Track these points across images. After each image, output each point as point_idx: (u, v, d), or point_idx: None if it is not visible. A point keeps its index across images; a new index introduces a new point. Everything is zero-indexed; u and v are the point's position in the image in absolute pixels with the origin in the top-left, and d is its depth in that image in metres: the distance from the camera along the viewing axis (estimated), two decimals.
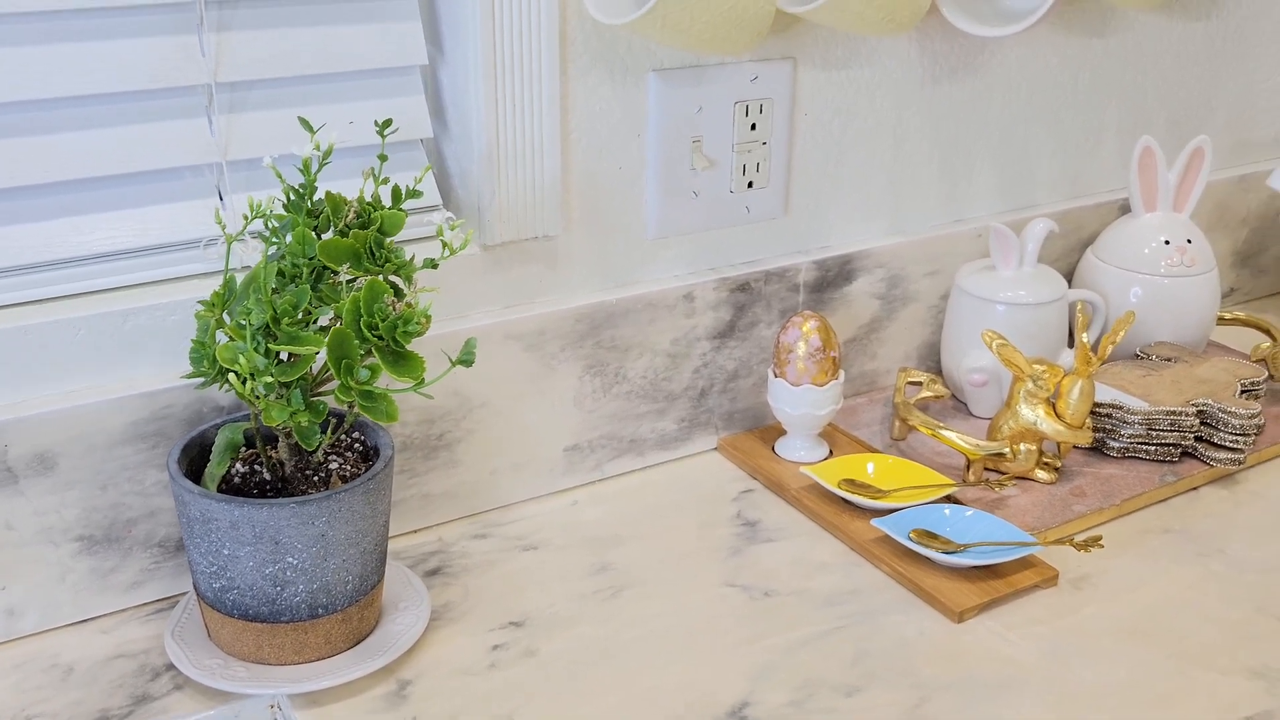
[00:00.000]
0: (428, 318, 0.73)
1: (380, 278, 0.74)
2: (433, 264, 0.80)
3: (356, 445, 0.85)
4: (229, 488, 0.81)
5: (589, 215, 1.00)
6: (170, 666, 0.83)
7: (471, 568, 0.95)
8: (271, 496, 0.80)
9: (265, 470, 0.81)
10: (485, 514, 1.01)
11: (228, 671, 0.80)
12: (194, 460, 0.82)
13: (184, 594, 0.89)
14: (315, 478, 0.81)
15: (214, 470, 0.80)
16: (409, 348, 0.74)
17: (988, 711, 0.81)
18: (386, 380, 0.74)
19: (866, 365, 1.17)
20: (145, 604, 0.89)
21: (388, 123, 0.82)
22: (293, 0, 0.87)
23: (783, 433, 1.09)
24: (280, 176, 0.80)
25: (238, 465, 0.82)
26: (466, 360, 0.74)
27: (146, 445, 0.85)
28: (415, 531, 0.98)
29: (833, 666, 0.84)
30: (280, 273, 0.77)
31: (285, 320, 0.72)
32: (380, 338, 0.73)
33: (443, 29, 0.93)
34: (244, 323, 0.72)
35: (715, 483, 1.07)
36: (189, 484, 0.77)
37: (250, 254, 0.86)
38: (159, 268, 0.87)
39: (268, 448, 0.82)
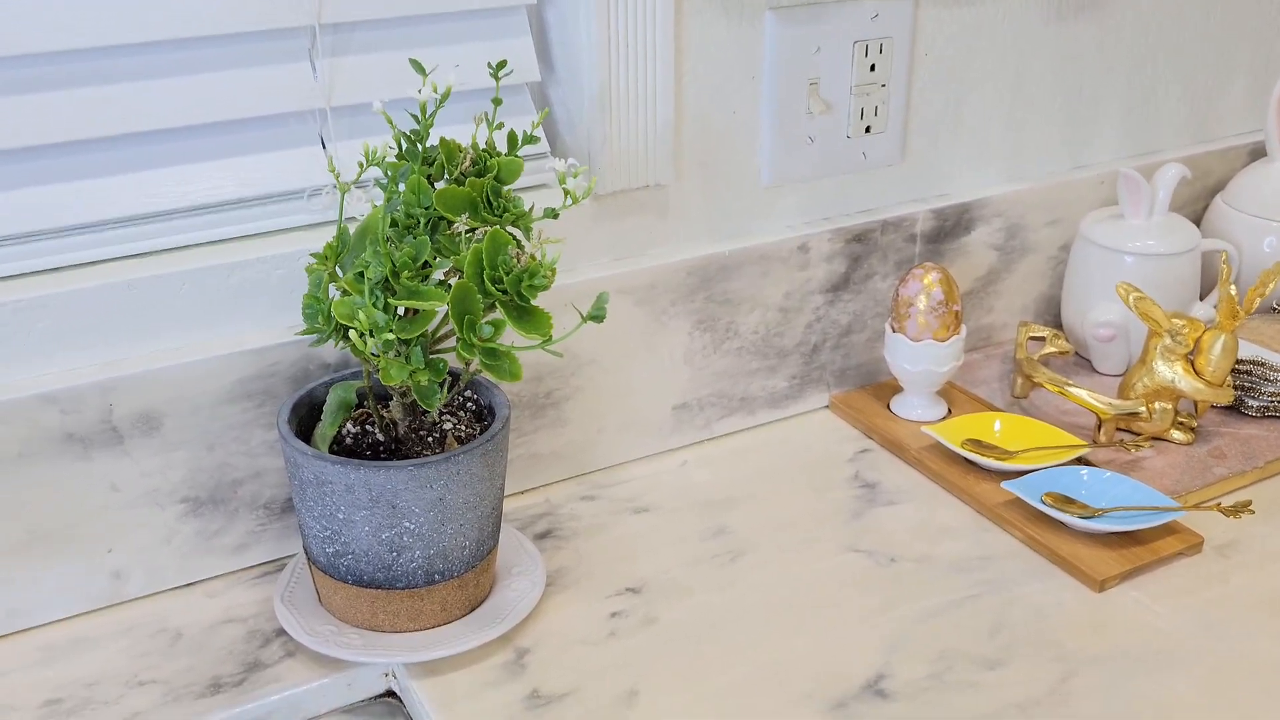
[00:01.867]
0: (553, 270, 0.69)
1: (501, 228, 0.70)
2: (553, 214, 0.75)
3: (469, 404, 0.82)
4: (341, 449, 0.78)
5: (701, 163, 0.95)
6: (280, 632, 0.80)
7: (582, 531, 0.91)
8: (385, 457, 0.77)
9: (378, 430, 0.78)
10: (592, 474, 0.97)
11: (341, 639, 0.77)
12: (303, 420, 0.79)
13: (292, 556, 0.86)
14: (430, 438, 0.78)
15: (326, 431, 0.77)
16: (534, 303, 0.70)
17: (1139, 687, 0.76)
18: (509, 337, 0.70)
19: (983, 319, 1.12)
20: (251, 567, 0.87)
21: (502, 64, 0.77)
22: None
23: (897, 390, 1.05)
24: (391, 122, 0.75)
25: (349, 425, 0.79)
26: (597, 316, 0.70)
27: (253, 404, 0.82)
28: (523, 492, 0.95)
29: (969, 638, 0.80)
30: (394, 223, 0.73)
31: (405, 274, 0.68)
32: (505, 292, 0.69)
33: None
34: (361, 277, 0.68)
35: (829, 442, 1.02)
36: (302, 445, 0.74)
37: (358, 204, 0.82)
38: (263, 219, 0.83)
39: (380, 407, 0.79)
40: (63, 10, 0.75)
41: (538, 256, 0.69)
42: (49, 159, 0.78)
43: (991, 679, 0.77)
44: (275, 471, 0.85)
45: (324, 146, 0.85)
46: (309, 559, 0.79)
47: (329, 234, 0.83)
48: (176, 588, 0.85)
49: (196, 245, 0.82)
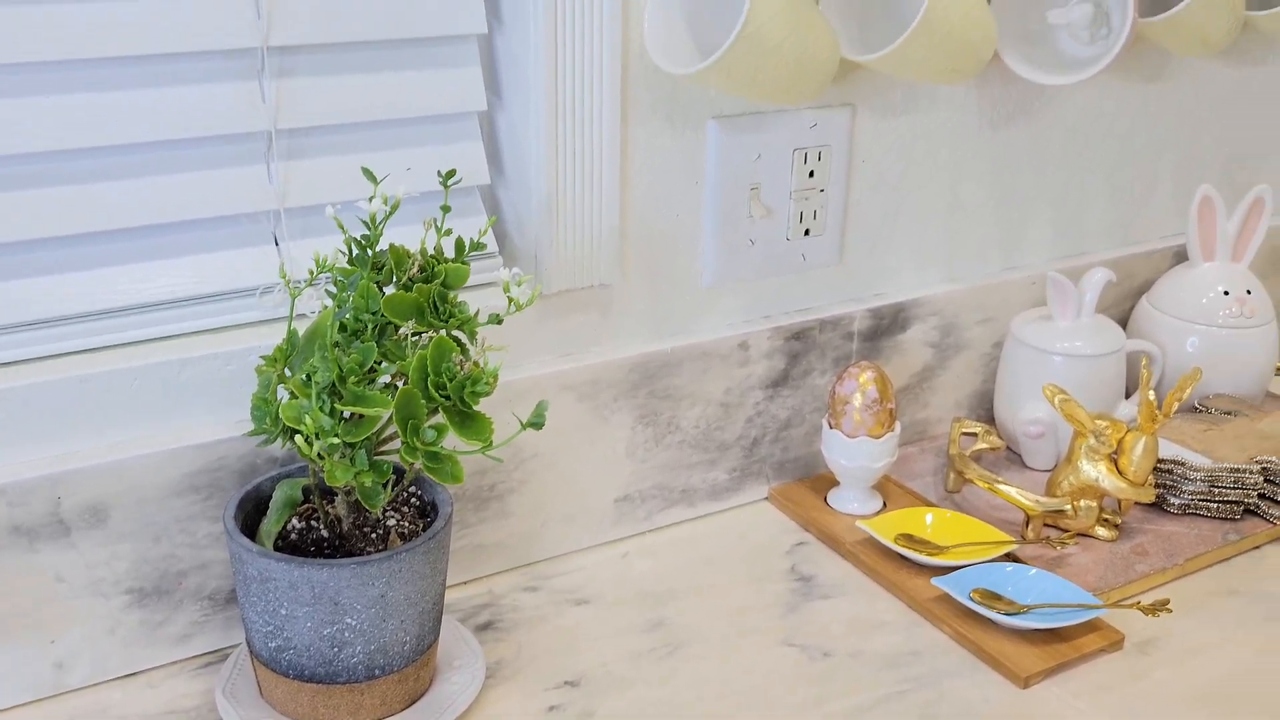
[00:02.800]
0: (495, 378, 0.72)
1: (445, 336, 0.73)
2: (497, 319, 0.78)
3: (413, 500, 0.84)
4: (285, 544, 0.79)
5: (645, 263, 0.98)
6: None
7: (523, 622, 0.93)
8: (329, 554, 0.79)
9: (323, 527, 0.80)
10: (535, 565, 0.99)
11: None
12: (249, 515, 0.81)
13: (234, 647, 0.87)
14: (373, 534, 0.80)
15: (270, 528, 0.78)
16: (475, 408, 0.72)
17: None
18: (452, 440, 0.73)
19: (918, 414, 1.15)
20: (194, 657, 0.87)
21: (451, 173, 0.80)
22: (353, 47, 0.86)
23: (835, 482, 1.07)
24: (343, 228, 0.78)
25: (294, 520, 0.80)
26: (537, 423, 0.72)
27: (200, 497, 0.84)
28: (466, 583, 0.96)
29: None
30: (342, 327, 0.75)
31: (351, 379, 0.70)
32: (448, 398, 0.71)
33: (502, 75, 0.92)
34: (309, 380, 0.70)
35: (767, 534, 1.05)
36: (247, 542, 0.76)
37: (310, 301, 0.85)
38: (215, 315, 0.85)
39: (325, 503, 0.80)
40: (24, 113, 0.77)
41: (481, 364, 0.72)
42: (7, 256, 0.80)
43: None
44: (220, 563, 0.86)
45: (277, 246, 0.87)
46: (251, 652, 0.80)
47: (279, 330, 0.85)
48: (119, 678, 0.85)
49: (149, 340, 0.83)
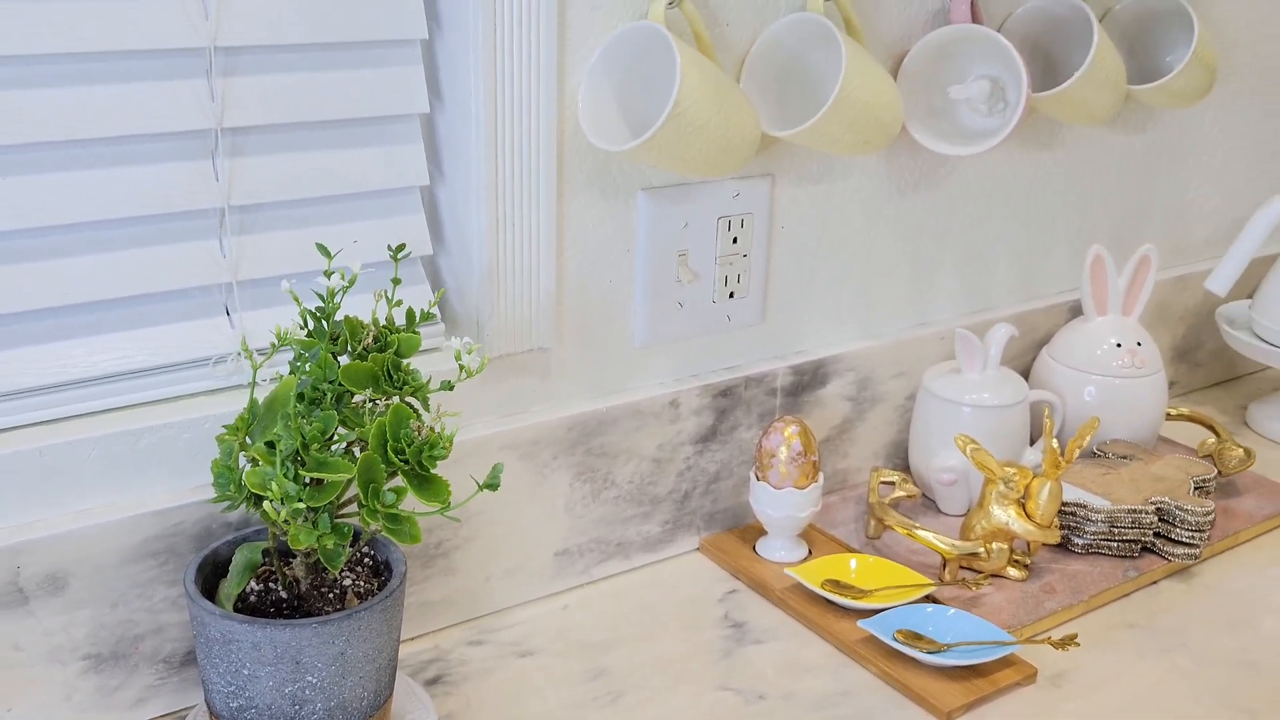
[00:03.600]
0: (451, 442, 0.76)
1: (402, 403, 0.77)
2: (449, 386, 0.82)
3: (367, 560, 0.87)
4: (244, 606, 0.82)
5: (580, 327, 1.03)
6: None
7: (470, 675, 0.96)
8: (288, 614, 0.82)
9: (281, 588, 0.83)
10: (480, 619, 1.03)
11: None
12: (208, 578, 0.83)
13: (190, 708, 0.89)
14: (330, 594, 0.83)
15: (231, 590, 0.81)
16: (433, 471, 0.76)
17: None
18: (409, 502, 0.76)
19: (839, 464, 1.22)
20: None
21: (401, 247, 0.85)
22: (301, 126, 0.90)
23: (762, 532, 1.13)
24: (298, 300, 0.82)
25: (253, 583, 0.83)
26: (493, 485, 0.77)
27: (156, 562, 0.86)
28: (414, 638, 0.99)
29: None
30: (300, 396, 0.79)
31: (314, 446, 0.74)
32: (406, 462, 0.75)
33: (443, 152, 0.97)
34: (272, 448, 0.74)
35: (700, 583, 1.10)
36: (210, 605, 0.78)
37: (262, 370, 0.88)
38: (170, 385, 0.88)
39: (283, 565, 0.83)
40: None
41: (437, 429, 0.76)
42: None
43: None
44: (176, 625, 0.88)
45: (229, 316, 0.90)
46: (211, 712, 0.83)
47: (232, 398, 0.89)
48: None
49: (106, 411, 0.86)
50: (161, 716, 0.90)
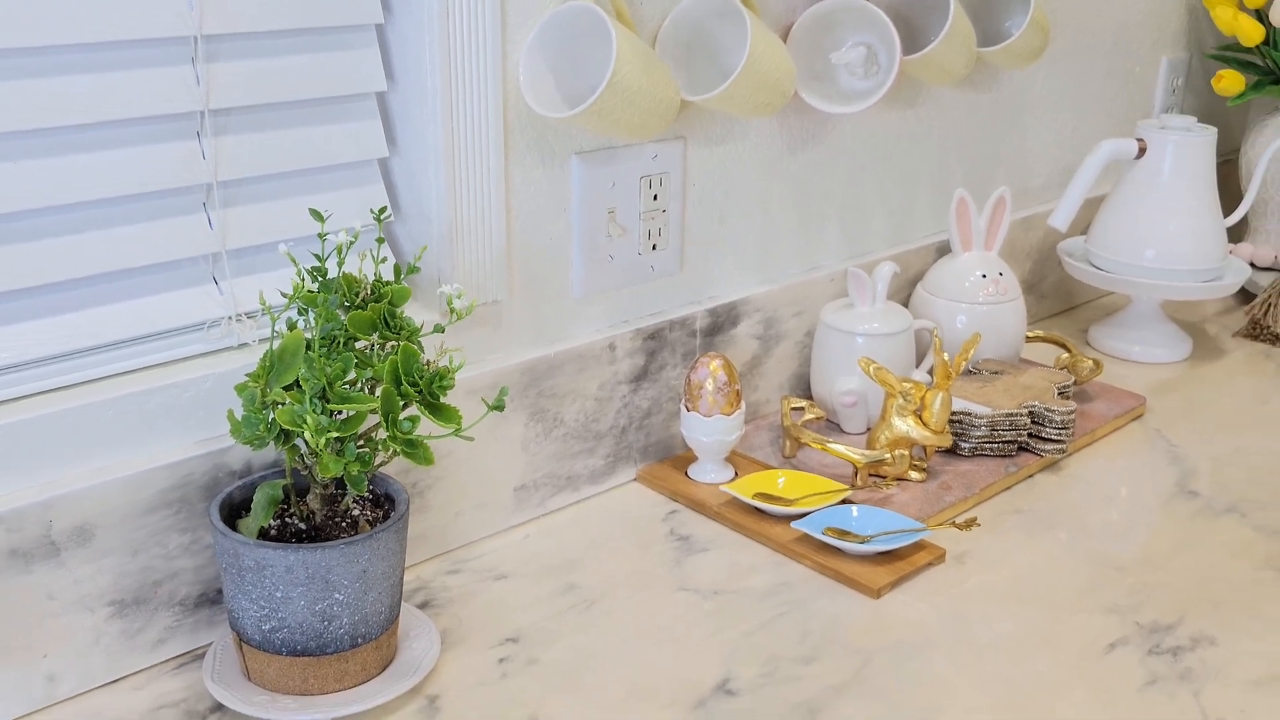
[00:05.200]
0: (456, 374, 0.86)
1: (409, 343, 0.87)
2: (441, 329, 0.92)
3: (368, 494, 0.96)
4: (266, 539, 0.90)
5: (527, 281, 1.14)
6: (214, 708, 0.91)
7: (455, 599, 1.06)
8: (308, 543, 0.91)
9: (299, 520, 0.92)
10: (453, 552, 1.13)
11: (276, 705, 0.89)
12: (224, 520, 0.91)
13: (206, 646, 0.97)
14: (344, 523, 0.92)
15: (254, 524, 0.89)
16: (443, 400, 0.86)
17: (917, 664, 0.99)
18: (423, 429, 0.86)
19: (751, 396, 1.35)
20: (169, 659, 0.97)
21: (384, 210, 0.94)
22: (277, 106, 0.99)
23: (693, 460, 1.26)
24: (295, 261, 0.91)
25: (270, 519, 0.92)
26: (499, 406, 0.87)
27: (171, 511, 0.94)
28: None
29: (786, 645, 1.01)
30: (308, 345, 0.88)
31: (336, 384, 0.83)
32: (420, 393, 0.85)
33: (397, 126, 1.06)
34: (297, 388, 0.83)
35: (643, 508, 1.22)
36: (241, 537, 0.87)
37: (247, 333, 0.97)
38: (170, 349, 0.96)
39: (299, 501, 0.92)
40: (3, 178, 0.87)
41: (444, 364, 0.86)
42: None
43: (808, 672, 0.98)
44: (190, 570, 0.96)
45: (217, 285, 0.98)
46: (240, 640, 0.91)
47: (226, 359, 0.97)
48: (104, 684, 0.94)
49: (116, 375, 0.93)
50: (181, 654, 0.97)
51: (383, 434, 0.86)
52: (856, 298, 1.33)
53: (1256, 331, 1.66)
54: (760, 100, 1.16)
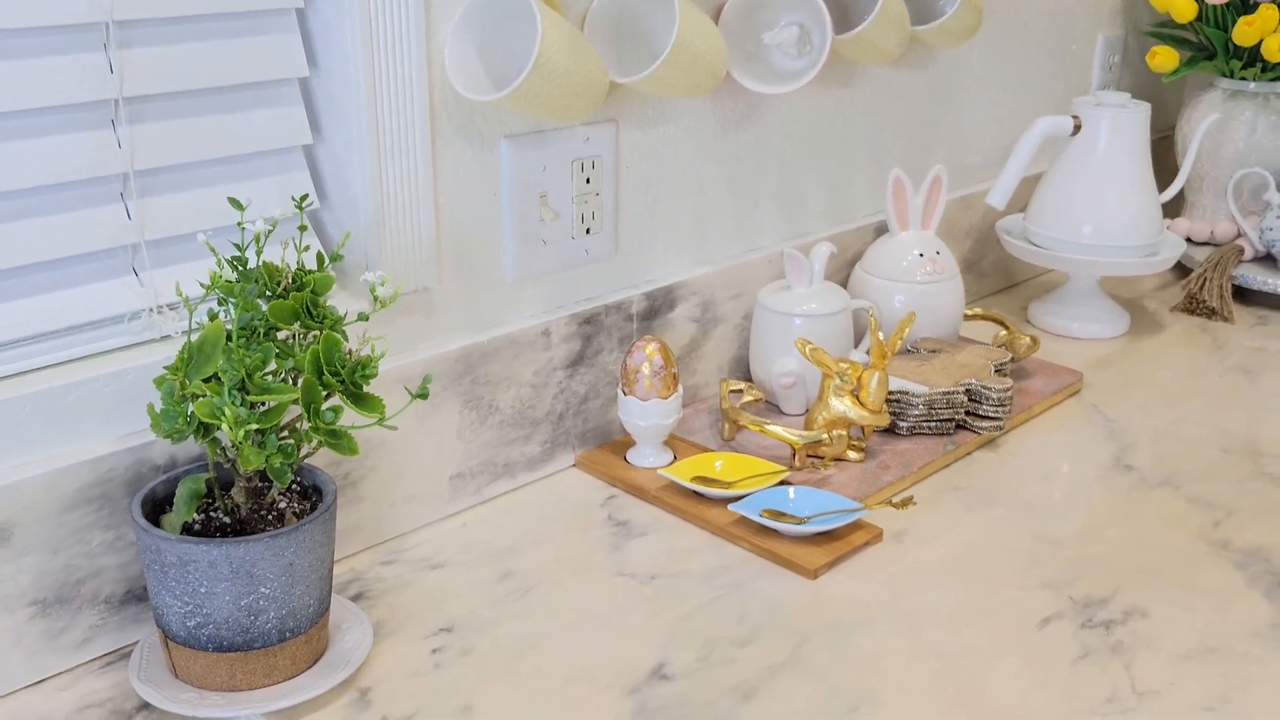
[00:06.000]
0: (378, 362, 0.85)
1: (332, 332, 0.85)
2: (365, 317, 0.91)
3: (296, 486, 0.95)
4: (190, 535, 0.89)
5: (458, 267, 1.13)
6: (141, 707, 0.90)
7: (390, 589, 1.05)
8: (232, 537, 0.89)
9: (223, 514, 0.90)
10: (387, 542, 1.12)
11: (204, 702, 0.88)
12: (148, 515, 0.90)
13: (133, 644, 0.96)
14: (270, 515, 0.91)
15: (177, 519, 0.88)
16: (366, 389, 0.85)
17: (855, 642, 0.99)
18: (348, 419, 0.85)
19: (689, 380, 1.35)
20: (95, 659, 0.95)
21: (305, 197, 0.92)
22: (194, 94, 0.97)
23: (631, 444, 1.25)
24: (214, 251, 0.89)
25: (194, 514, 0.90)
26: (423, 394, 0.86)
27: (93, 508, 0.92)
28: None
29: (723, 627, 1.01)
30: (229, 335, 0.86)
31: (257, 375, 0.82)
32: (342, 382, 0.84)
33: (320, 111, 1.04)
34: (216, 380, 0.81)
35: (581, 493, 1.21)
36: (164, 533, 0.85)
37: (168, 325, 0.95)
38: (89, 343, 0.94)
39: (223, 495, 0.91)
40: None
41: (367, 352, 0.85)
42: None
43: (745, 654, 0.97)
44: (114, 568, 0.94)
45: (136, 275, 0.96)
46: (165, 637, 0.89)
47: (148, 351, 0.95)
48: (27, 686, 0.92)
49: (34, 370, 0.91)
50: (105, 654, 0.95)
51: (306, 425, 0.84)
52: (793, 279, 1.33)
53: (1193, 306, 1.68)
54: (691, 81, 1.16)
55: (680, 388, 1.22)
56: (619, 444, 1.27)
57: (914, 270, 1.42)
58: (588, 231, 1.21)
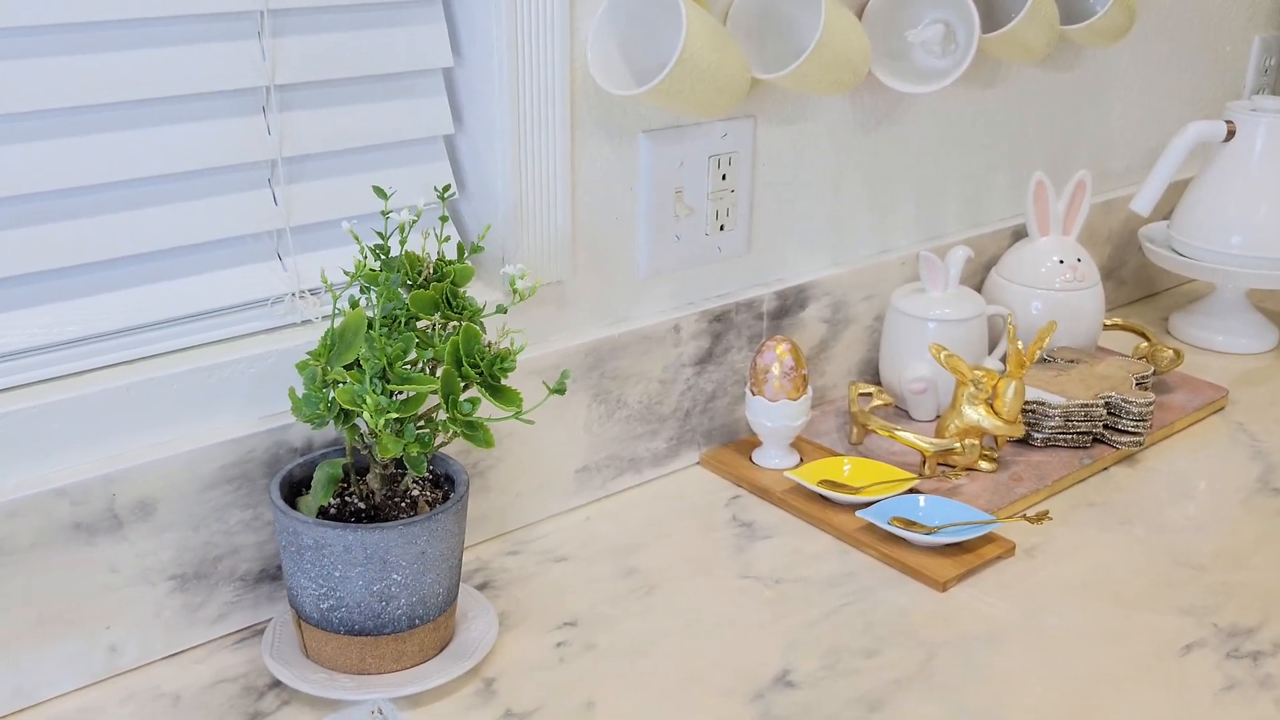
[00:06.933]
0: (517, 356, 0.85)
1: (471, 324, 0.86)
2: (503, 309, 0.91)
3: (428, 474, 0.96)
4: (326, 518, 0.90)
5: (591, 261, 1.13)
6: (272, 685, 0.91)
7: (514, 580, 1.06)
8: (367, 523, 0.90)
9: (358, 500, 0.91)
10: (513, 533, 1.12)
11: (334, 683, 0.89)
12: (285, 497, 0.91)
13: (266, 622, 0.97)
14: (403, 503, 0.92)
15: (313, 502, 0.89)
16: (504, 382, 0.85)
17: (982, 660, 0.96)
18: (484, 411, 0.85)
19: (818, 381, 1.33)
20: (229, 634, 0.97)
21: (447, 188, 0.93)
22: (341, 82, 0.98)
23: (757, 444, 1.24)
24: (358, 239, 0.90)
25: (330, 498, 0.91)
26: (560, 389, 0.86)
27: (232, 487, 0.94)
28: None
29: (849, 636, 0.99)
30: (370, 324, 0.87)
31: (398, 364, 0.82)
32: (480, 374, 0.84)
33: (463, 103, 1.05)
34: (358, 368, 0.82)
35: (705, 492, 1.20)
36: (302, 516, 0.87)
37: (310, 310, 0.96)
38: (234, 325, 0.96)
39: (359, 480, 0.92)
40: (64, 152, 0.87)
41: (506, 345, 0.85)
42: (50, 281, 0.89)
43: (871, 665, 0.95)
44: (251, 546, 0.96)
45: (281, 261, 0.98)
46: (299, 617, 0.91)
47: (289, 335, 0.97)
48: (165, 657, 0.94)
49: (179, 350, 0.93)
50: (239, 630, 0.98)
51: (443, 415, 0.85)
52: (928, 282, 1.30)
53: None
54: (833, 79, 1.14)
55: (810, 389, 1.20)
56: (745, 443, 1.26)
57: (1053, 277, 1.38)
58: (721, 228, 1.20)
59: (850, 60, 1.13)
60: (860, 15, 1.24)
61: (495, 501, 1.10)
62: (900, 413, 1.33)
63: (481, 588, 1.04)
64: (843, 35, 1.11)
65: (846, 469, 1.18)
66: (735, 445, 1.26)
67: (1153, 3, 1.57)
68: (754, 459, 1.23)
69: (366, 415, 0.80)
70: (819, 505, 1.15)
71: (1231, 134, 1.50)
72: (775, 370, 1.18)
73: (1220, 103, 1.64)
